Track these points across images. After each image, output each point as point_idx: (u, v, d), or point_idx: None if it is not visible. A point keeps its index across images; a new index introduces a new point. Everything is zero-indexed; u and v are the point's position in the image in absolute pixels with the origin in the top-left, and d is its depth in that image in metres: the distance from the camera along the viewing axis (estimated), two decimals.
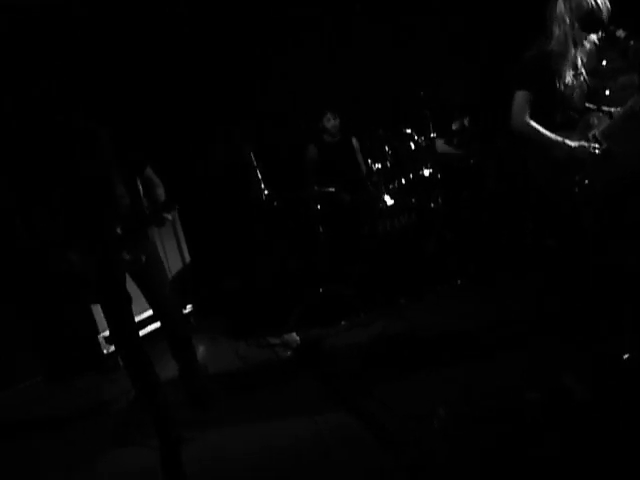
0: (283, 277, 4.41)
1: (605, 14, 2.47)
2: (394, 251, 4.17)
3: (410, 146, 4.30)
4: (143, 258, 2.84)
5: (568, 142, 2.56)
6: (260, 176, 4.01)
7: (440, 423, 2.43)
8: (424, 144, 4.33)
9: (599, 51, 4.79)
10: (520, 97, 2.59)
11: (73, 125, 2.74)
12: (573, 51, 2.55)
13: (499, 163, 4.46)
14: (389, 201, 4.23)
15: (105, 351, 4.00)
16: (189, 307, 4.59)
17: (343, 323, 3.87)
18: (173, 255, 4.61)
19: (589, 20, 2.48)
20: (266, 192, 4.05)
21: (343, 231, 4.33)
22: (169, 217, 2.84)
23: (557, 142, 2.56)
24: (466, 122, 4.94)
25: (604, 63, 4.72)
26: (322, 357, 3.49)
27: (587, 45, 2.61)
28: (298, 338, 3.83)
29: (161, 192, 3.01)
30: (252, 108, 4.94)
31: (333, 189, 4.30)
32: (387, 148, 4.27)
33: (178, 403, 3.10)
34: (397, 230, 4.18)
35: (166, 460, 2.34)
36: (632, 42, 2.46)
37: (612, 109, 2.65)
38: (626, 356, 2.49)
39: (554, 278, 3.02)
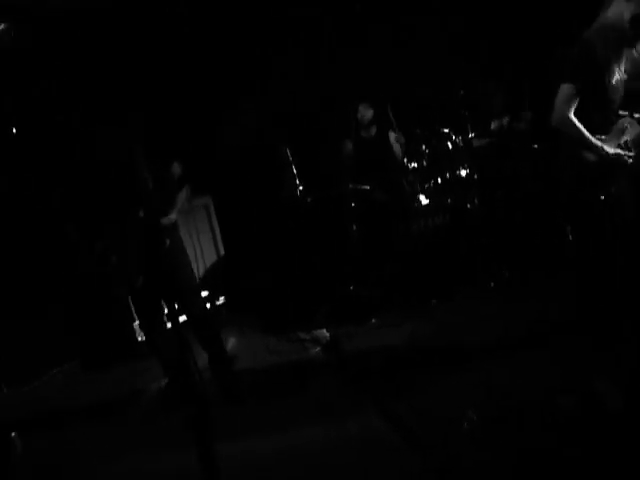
0: (315, 273, 4.43)
1: None
2: (427, 251, 4.14)
3: (447, 146, 4.24)
4: (167, 242, 2.85)
5: (606, 148, 2.47)
6: (295, 172, 4.03)
7: (469, 426, 2.40)
8: (461, 144, 4.27)
9: None
10: (565, 90, 2.44)
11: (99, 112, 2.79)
12: (624, 50, 2.44)
13: (535, 164, 4.37)
14: (424, 201, 4.20)
15: (140, 338, 4.09)
16: (222, 299, 4.66)
17: (373, 321, 3.86)
18: (208, 247, 4.69)
19: None
20: (300, 188, 4.07)
21: (377, 230, 4.32)
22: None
23: (595, 146, 2.46)
24: (505, 122, 4.85)
25: None
26: (351, 355, 3.48)
27: (637, 48, 2.50)
28: (328, 334, 3.85)
29: (183, 195, 3.05)
30: (287, 106, 4.95)
31: (368, 187, 4.28)
32: (424, 147, 4.24)
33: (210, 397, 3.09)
34: (431, 230, 4.14)
35: (204, 459, 2.35)
36: None
37: None
38: None
39: (584, 279, 2.96)
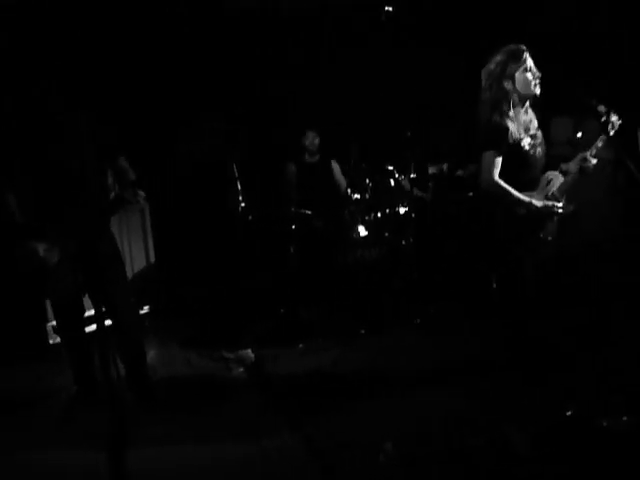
0: (247, 292, 4.38)
1: (538, 79, 2.62)
2: (361, 281, 4.21)
3: (390, 182, 4.40)
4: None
5: (534, 202, 2.66)
6: (240, 188, 4.02)
7: (385, 458, 2.43)
8: (403, 183, 4.44)
9: (577, 123, 5.07)
10: (487, 157, 2.65)
11: (49, 107, 2.70)
12: (519, 114, 2.67)
13: (470, 211, 4.59)
14: (363, 232, 4.30)
15: (51, 341, 3.86)
16: (146, 308, 4.49)
17: (300, 346, 3.86)
18: (138, 252, 4.53)
19: (527, 84, 2.61)
20: (243, 204, 4.05)
21: (314, 255, 4.36)
22: (141, 196, 2.76)
23: (524, 202, 2.66)
24: (444, 168, 5.09)
25: (579, 135, 5.00)
26: (275, 377, 3.46)
27: (530, 110, 2.75)
28: (253, 355, 3.80)
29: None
30: (238, 119, 4.95)
31: (310, 212, 4.33)
32: (368, 181, 4.37)
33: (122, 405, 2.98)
34: (367, 261, 4.24)
35: (113, 461, 2.23)
36: (612, 117, 2.61)
37: (565, 165, 2.81)
38: (569, 413, 2.54)
39: (506, 324, 3.13)
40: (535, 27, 4.54)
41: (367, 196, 4.35)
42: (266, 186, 4.88)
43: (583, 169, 2.73)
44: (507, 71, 2.60)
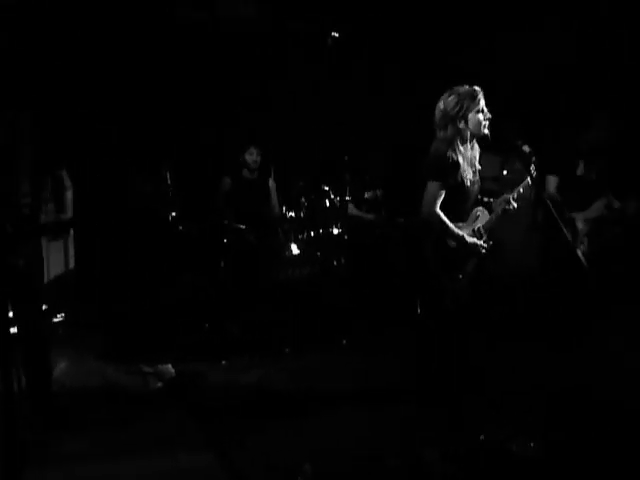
0: (173, 305, 4.23)
1: (488, 120, 2.77)
2: (291, 300, 4.19)
3: (325, 203, 4.44)
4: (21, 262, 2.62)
5: (467, 237, 2.79)
6: (172, 196, 3.90)
7: (304, 478, 2.40)
8: (338, 204, 4.50)
9: (503, 161, 5.37)
10: (433, 188, 2.73)
11: None
12: (467, 150, 2.81)
13: (402, 239, 4.71)
14: (295, 250, 4.30)
15: None
16: (60, 316, 4.22)
17: (224, 363, 3.76)
18: (56, 257, 4.26)
19: (479, 125, 2.75)
20: (174, 214, 3.93)
21: (244, 270, 4.29)
22: (69, 234, 2.67)
23: (458, 236, 2.78)
24: (379, 193, 5.20)
25: (505, 172, 5.29)
26: (195, 394, 3.35)
27: (476, 146, 2.90)
28: (173, 370, 3.66)
29: (70, 196, 2.84)
30: (177, 130, 4.88)
31: (243, 227, 4.28)
32: (303, 199, 4.39)
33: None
34: (298, 280, 4.22)
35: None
36: (534, 158, 2.78)
37: (492, 200, 2.99)
38: (482, 437, 2.64)
39: (427, 349, 3.23)
40: (469, 67, 4.80)
41: (301, 214, 4.36)
42: (202, 198, 4.78)
43: (506, 211, 2.90)
44: (462, 112, 2.70)
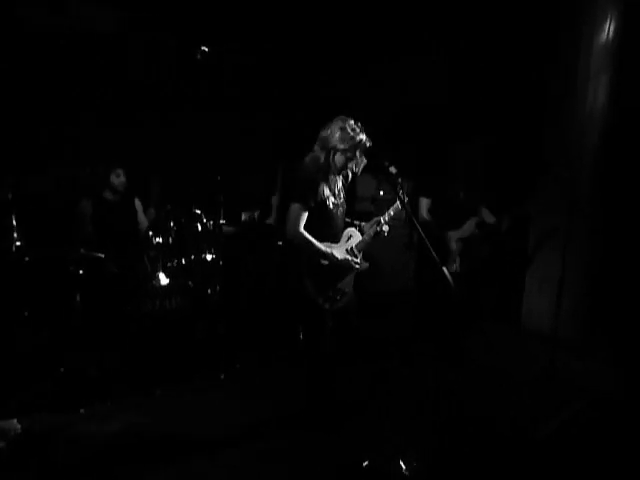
0: (20, 347, 3.65)
1: (363, 149, 2.85)
2: (160, 334, 3.82)
3: (197, 227, 4.15)
4: None
5: (336, 254, 2.88)
6: (15, 223, 3.39)
7: None
8: (211, 228, 4.23)
9: (379, 182, 5.55)
10: (295, 209, 2.80)
11: None
12: (332, 177, 2.90)
13: (280, 260, 4.59)
14: (164, 280, 3.94)
15: None
16: None
17: (82, 411, 3.31)
18: None
19: (341, 163, 2.85)
20: (18, 243, 3.42)
21: (103, 305, 3.82)
22: None
23: (325, 253, 2.85)
24: (256, 215, 5.06)
25: (381, 193, 5.46)
26: (47, 452, 2.91)
27: (341, 177, 3.00)
28: (19, 426, 3.14)
29: None
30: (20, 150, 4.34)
31: (102, 255, 3.80)
32: (172, 224, 4.05)
33: None
34: (166, 312, 3.87)
35: None
36: (400, 179, 2.81)
37: (364, 224, 3.12)
38: (365, 463, 2.70)
39: (312, 375, 3.15)
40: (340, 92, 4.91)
41: (170, 240, 4.02)
42: (54, 223, 4.24)
43: (377, 233, 3.04)
44: (337, 146, 2.79)
